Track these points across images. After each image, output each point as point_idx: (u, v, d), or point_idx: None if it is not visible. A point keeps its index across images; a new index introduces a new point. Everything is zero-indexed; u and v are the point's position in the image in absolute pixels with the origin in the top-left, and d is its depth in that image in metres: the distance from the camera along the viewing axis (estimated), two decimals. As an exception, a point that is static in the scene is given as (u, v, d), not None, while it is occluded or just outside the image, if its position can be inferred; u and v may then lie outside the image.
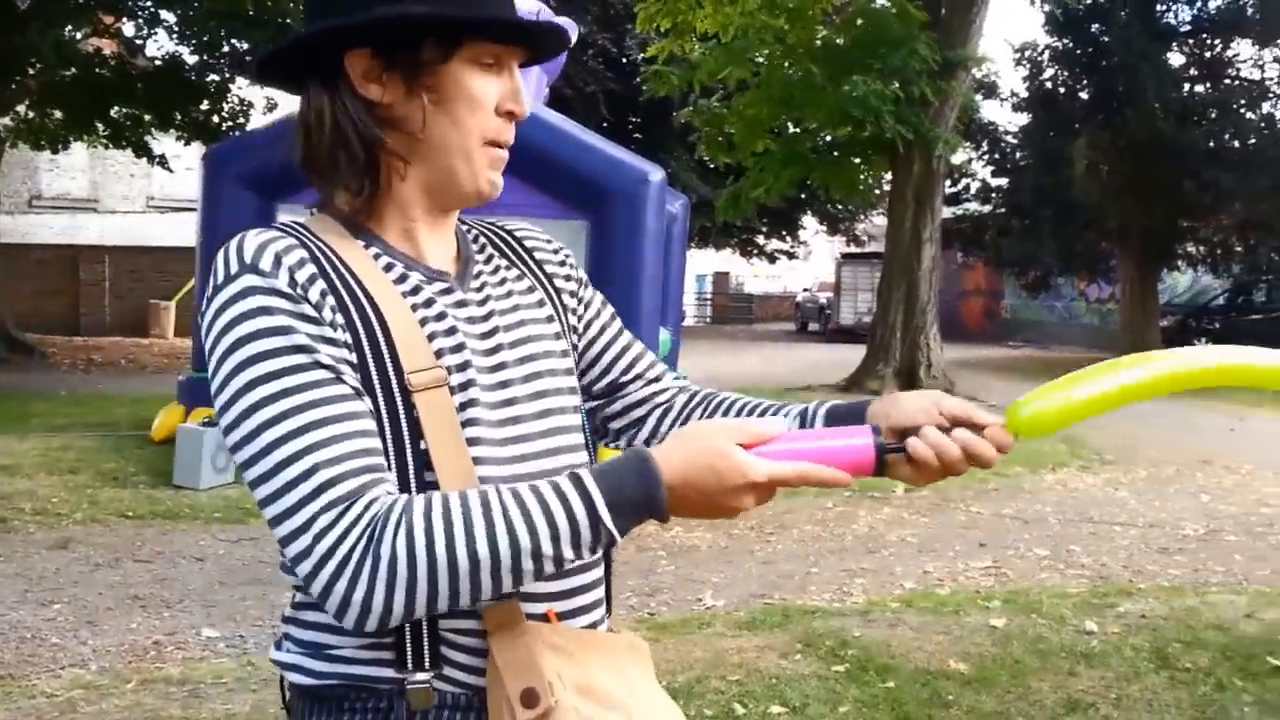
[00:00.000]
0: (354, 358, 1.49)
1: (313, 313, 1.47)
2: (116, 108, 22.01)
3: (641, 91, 22.03)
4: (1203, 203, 24.62)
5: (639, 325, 9.94)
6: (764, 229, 40.88)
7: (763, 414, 1.79)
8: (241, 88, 23.21)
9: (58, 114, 22.25)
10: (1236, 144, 24.71)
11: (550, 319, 1.75)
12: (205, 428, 9.91)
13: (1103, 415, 1.65)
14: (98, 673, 5.60)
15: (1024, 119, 29.27)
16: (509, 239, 1.84)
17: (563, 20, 12.02)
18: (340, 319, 1.49)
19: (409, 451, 1.50)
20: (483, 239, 1.80)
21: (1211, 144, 24.34)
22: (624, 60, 28.79)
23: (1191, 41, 26.38)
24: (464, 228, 1.78)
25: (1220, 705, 5.27)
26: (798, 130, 20.84)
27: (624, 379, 1.92)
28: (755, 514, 9.35)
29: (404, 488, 1.48)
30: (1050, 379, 1.63)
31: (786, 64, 19.26)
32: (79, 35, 21.17)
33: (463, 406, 1.54)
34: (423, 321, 1.56)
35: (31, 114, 22.33)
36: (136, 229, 32.11)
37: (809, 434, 1.58)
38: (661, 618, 6.67)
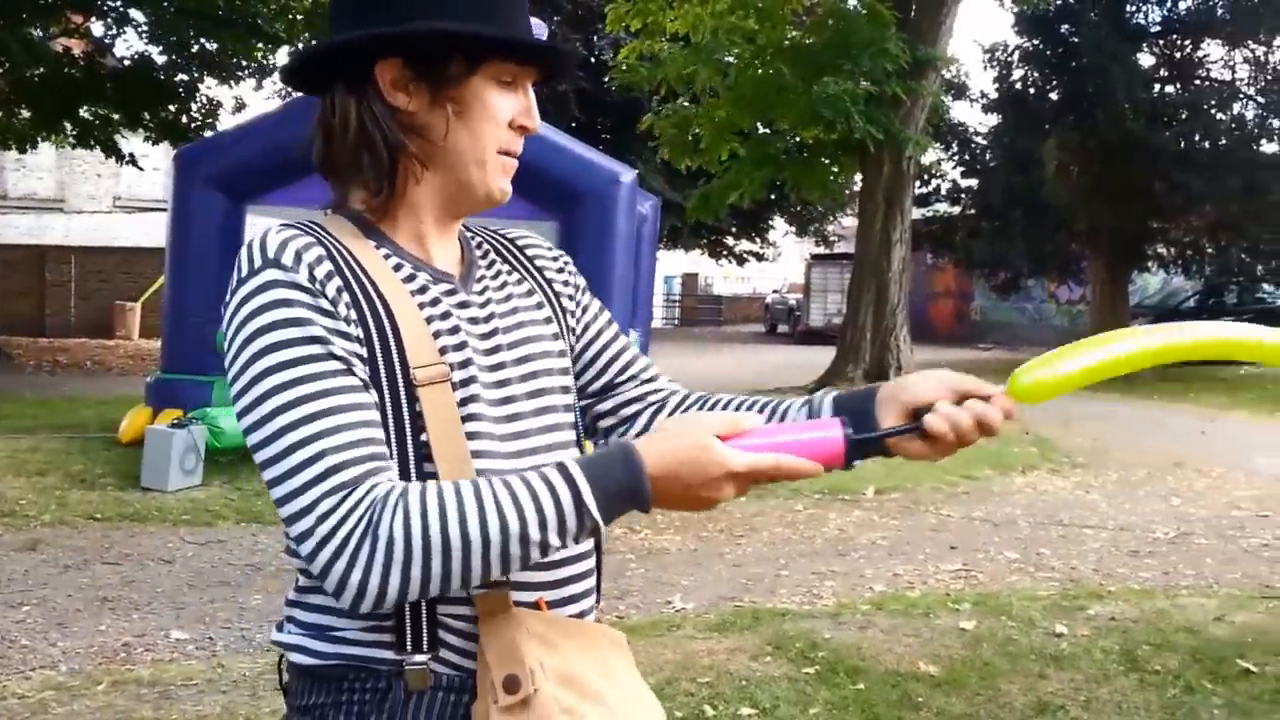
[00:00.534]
0: (364, 351, 1.57)
1: (329, 307, 1.55)
2: (85, 107, 21.89)
3: (611, 92, 22.01)
4: (1173, 204, 24.68)
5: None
6: (733, 230, 40.85)
7: (762, 410, 1.84)
8: (211, 88, 23.14)
9: (25, 113, 22.11)
10: (1207, 145, 24.78)
11: (549, 320, 1.84)
12: (173, 430, 9.86)
13: (1098, 381, 1.76)
14: (68, 674, 5.59)
15: (994, 120, 29.31)
16: (510, 245, 1.92)
17: (534, 21, 12.05)
18: (354, 314, 1.57)
19: (410, 443, 1.58)
20: (485, 245, 1.88)
21: (1182, 145, 24.41)
22: (594, 59, 28.76)
23: (1162, 42, 26.47)
24: (468, 233, 1.86)
25: (1189, 708, 5.29)
26: (768, 131, 20.82)
27: (619, 379, 1.99)
28: (725, 516, 9.37)
29: (404, 477, 1.56)
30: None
31: (756, 64, 19.25)
32: (48, 34, 21.04)
33: (464, 402, 1.62)
34: (429, 320, 1.64)
35: (-1, 113, 22.22)
36: (103, 229, 31.97)
37: (783, 428, 1.64)
38: (631, 620, 6.67)
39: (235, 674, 5.55)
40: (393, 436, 1.56)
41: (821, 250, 44.41)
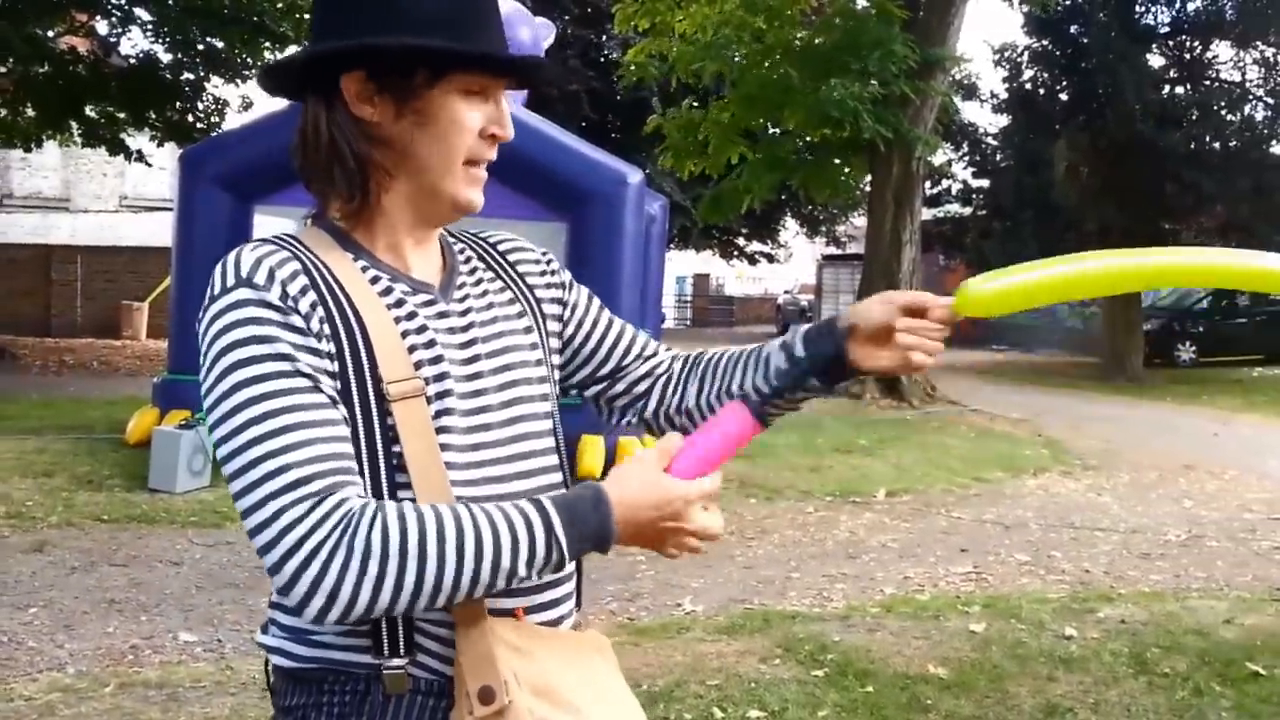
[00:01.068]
0: (335, 366, 1.59)
1: (300, 323, 1.57)
2: (90, 106, 21.89)
3: (620, 92, 21.96)
4: (1184, 205, 24.65)
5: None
6: (744, 231, 40.83)
7: (748, 359, 1.99)
8: (216, 87, 23.12)
9: (30, 111, 22.11)
10: (1217, 146, 24.74)
11: (529, 330, 1.85)
12: (181, 430, 9.85)
13: (1049, 300, 1.83)
14: (76, 676, 5.58)
15: (1004, 120, 29.27)
16: (493, 251, 1.94)
17: (539, 20, 12.02)
18: (327, 329, 1.59)
19: (381, 455, 1.60)
20: (468, 251, 1.90)
21: (1192, 146, 24.35)
22: (603, 59, 28.75)
23: (1171, 43, 26.39)
24: (450, 239, 1.88)
25: (1198, 710, 5.28)
26: (777, 132, 20.77)
27: (625, 360, 2.05)
28: (736, 519, 9.36)
29: (376, 491, 1.59)
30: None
31: (764, 63, 19.21)
32: (52, 33, 21.05)
33: (437, 415, 1.64)
34: (404, 334, 1.65)
35: (3, 111, 22.19)
36: (109, 228, 31.96)
37: (703, 431, 1.73)
38: (641, 623, 6.66)
39: (243, 676, 5.54)
40: (364, 449, 1.59)
41: (833, 251, 44.37)
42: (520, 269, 1.93)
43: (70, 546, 7.99)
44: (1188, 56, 26.40)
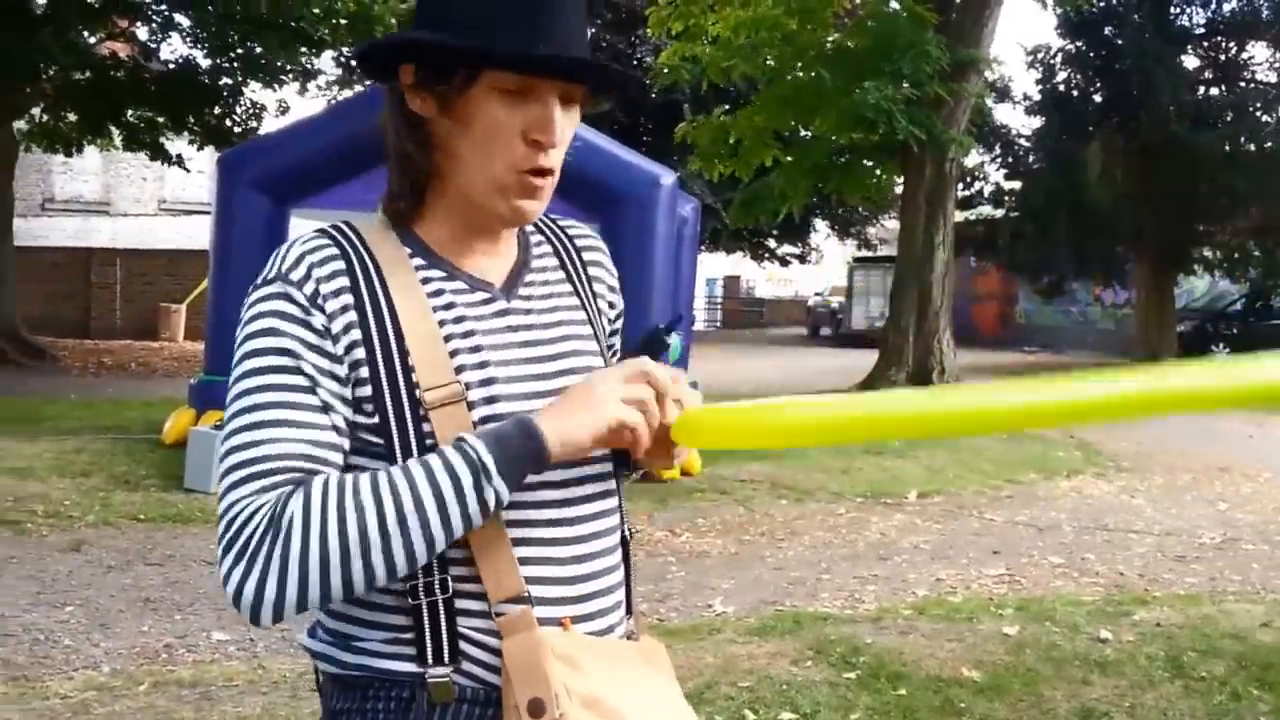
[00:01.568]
0: (359, 372, 1.56)
1: (320, 324, 1.55)
2: (130, 111, 22.05)
3: (653, 95, 21.94)
4: (1218, 206, 24.54)
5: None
6: (775, 233, 40.79)
7: None
8: (254, 91, 23.27)
9: (71, 116, 22.28)
10: (1252, 147, 24.60)
11: (592, 336, 1.79)
12: (216, 431, 9.89)
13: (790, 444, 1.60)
14: (110, 674, 5.59)
15: (1037, 122, 29.21)
16: (570, 247, 1.87)
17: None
18: (356, 334, 1.56)
19: None
20: (545, 245, 1.84)
21: (1227, 147, 24.24)
22: (635, 63, 28.76)
23: (1206, 44, 26.31)
24: (530, 229, 1.82)
25: (1236, 715, 5.23)
26: (809, 136, 20.76)
27: None
28: (766, 520, 9.35)
29: None
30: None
31: (796, 65, 19.20)
32: (93, 39, 21.21)
33: (485, 420, 1.58)
34: (448, 337, 1.61)
35: (45, 117, 22.37)
36: (148, 232, 32.23)
37: None
38: (671, 624, 6.64)
39: (276, 675, 5.55)
40: (399, 456, 1.55)
41: (864, 253, 44.24)
42: (592, 271, 1.86)
43: (107, 545, 8.04)
44: (1223, 57, 26.32)
